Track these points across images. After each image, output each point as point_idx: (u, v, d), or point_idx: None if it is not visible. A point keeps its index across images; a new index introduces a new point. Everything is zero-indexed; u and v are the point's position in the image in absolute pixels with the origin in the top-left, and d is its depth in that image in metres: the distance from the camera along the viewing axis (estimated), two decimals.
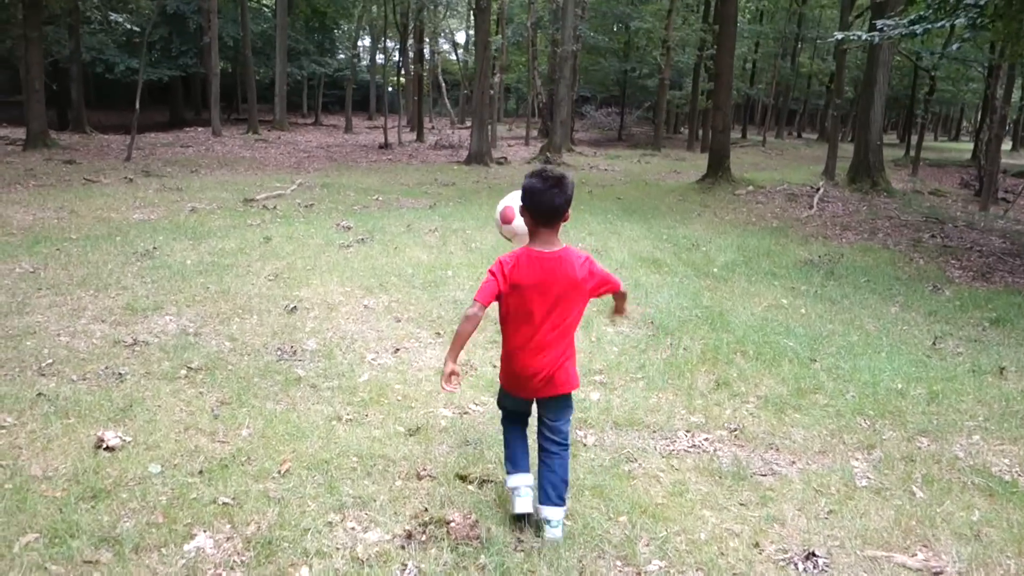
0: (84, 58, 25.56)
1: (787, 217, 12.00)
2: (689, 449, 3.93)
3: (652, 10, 31.26)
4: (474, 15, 19.02)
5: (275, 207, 11.30)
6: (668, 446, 3.95)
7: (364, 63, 47.13)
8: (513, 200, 3.03)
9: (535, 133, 29.63)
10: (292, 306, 6.01)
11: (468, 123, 40.87)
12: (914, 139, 30.76)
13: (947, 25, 7.65)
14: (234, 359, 4.84)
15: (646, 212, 11.88)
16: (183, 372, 4.55)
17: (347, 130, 31.10)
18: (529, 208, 2.75)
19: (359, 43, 44.26)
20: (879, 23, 8.67)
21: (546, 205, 2.71)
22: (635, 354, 5.28)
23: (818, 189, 14.06)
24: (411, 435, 3.89)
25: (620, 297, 3.17)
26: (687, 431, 4.13)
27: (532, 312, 2.78)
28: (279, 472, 3.36)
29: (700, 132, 30.48)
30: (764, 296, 6.91)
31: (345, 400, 4.30)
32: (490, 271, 2.79)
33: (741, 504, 3.35)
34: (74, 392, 4.12)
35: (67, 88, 23.79)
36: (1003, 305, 6.93)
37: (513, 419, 3.11)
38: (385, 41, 29.78)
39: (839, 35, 9.24)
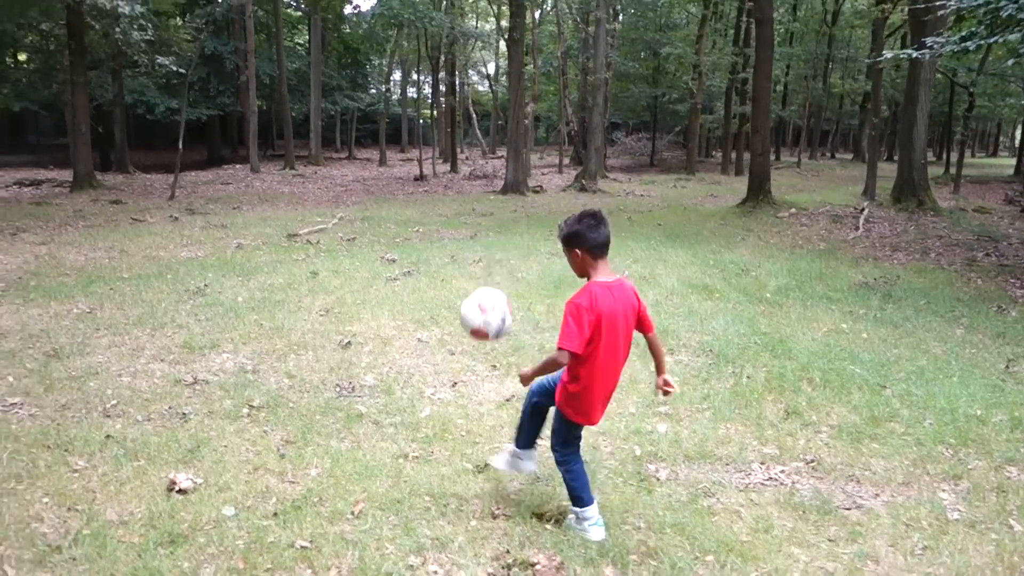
0: (126, 101, 26.23)
1: (834, 239, 11.80)
2: (766, 482, 3.81)
3: (682, 35, 31.35)
4: (507, 46, 19.19)
5: (318, 241, 11.39)
6: (744, 479, 3.83)
7: (395, 97, 47.88)
8: (482, 314, 3.16)
9: (567, 161, 29.68)
10: (346, 341, 6.00)
11: (500, 152, 41.19)
12: (953, 156, 30.30)
13: (1000, 40, 7.51)
14: (294, 396, 4.82)
15: (689, 237, 11.76)
16: (245, 411, 4.54)
17: (381, 163, 31.44)
18: (591, 245, 2.97)
19: (391, 77, 45.02)
20: (928, 40, 8.53)
21: (604, 238, 2.99)
22: (697, 384, 5.16)
23: (862, 210, 13.83)
24: (479, 472, 3.82)
25: (656, 350, 3.32)
26: (761, 463, 4.01)
27: (615, 340, 2.98)
28: (353, 513, 3.30)
29: (733, 155, 30.31)
30: (822, 321, 6.76)
31: (409, 437, 4.25)
32: (569, 315, 2.90)
33: (830, 540, 3.22)
34: (141, 433, 4.12)
35: (110, 130, 24.40)
36: None
37: (578, 450, 3.26)
38: (419, 75, 30.15)
39: (888, 54, 9.11)
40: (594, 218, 2.98)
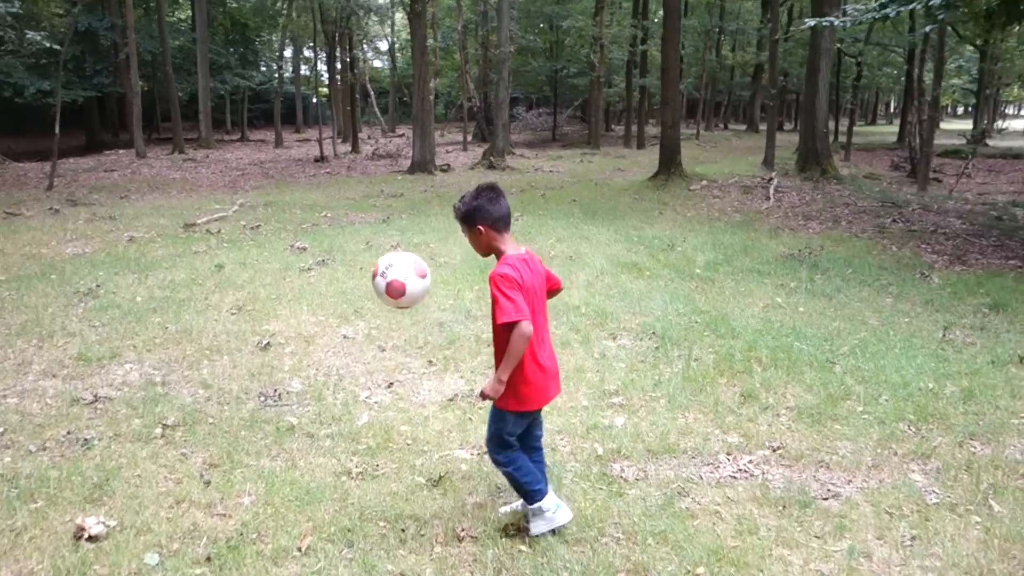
0: None
1: (747, 210, 11.91)
2: (737, 475, 3.62)
3: (580, 8, 31.24)
4: (409, 19, 18.51)
5: (219, 231, 10.63)
6: (713, 473, 3.63)
7: (288, 75, 45.98)
8: (399, 270, 2.92)
9: (470, 138, 29.22)
10: (264, 342, 5.49)
11: (401, 131, 40.24)
12: (843, 126, 31.53)
13: (919, 7, 7.58)
14: (213, 410, 4.33)
15: (607, 213, 11.62)
16: (158, 431, 4.03)
17: (278, 144, 30.12)
18: (494, 219, 2.83)
19: (283, 54, 43.09)
20: (849, 8, 8.58)
21: (505, 210, 2.87)
22: (645, 369, 4.95)
23: (770, 180, 14.06)
24: (434, 486, 3.47)
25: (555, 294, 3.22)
26: (728, 454, 3.82)
27: (537, 312, 2.84)
28: (299, 550, 2.91)
29: (635, 128, 30.54)
30: (756, 295, 6.69)
31: (349, 449, 3.85)
32: (500, 286, 2.70)
33: (817, 537, 3.05)
34: (36, 467, 3.57)
35: None
36: (995, 289, 6.87)
37: (516, 444, 2.99)
38: (313, 51, 28.92)
39: (811, 22, 9.08)
40: (492, 191, 2.87)
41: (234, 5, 37.10)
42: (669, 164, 15.03)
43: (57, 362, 5.10)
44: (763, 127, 45.36)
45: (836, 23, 8.91)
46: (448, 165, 19.44)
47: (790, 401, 4.40)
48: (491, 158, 19.57)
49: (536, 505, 2.94)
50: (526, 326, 2.65)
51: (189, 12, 37.86)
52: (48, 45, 13.65)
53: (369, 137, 32.37)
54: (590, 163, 22.99)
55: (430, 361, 5.19)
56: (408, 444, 3.94)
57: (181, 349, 5.39)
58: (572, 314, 6.11)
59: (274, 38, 40.76)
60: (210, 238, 10.19)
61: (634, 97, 30.40)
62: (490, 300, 2.79)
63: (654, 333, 5.60)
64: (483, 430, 4.12)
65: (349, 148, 25.93)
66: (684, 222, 10.77)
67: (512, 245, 2.88)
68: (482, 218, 2.82)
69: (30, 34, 13.51)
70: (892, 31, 26.64)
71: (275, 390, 4.64)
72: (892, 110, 79.59)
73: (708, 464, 3.72)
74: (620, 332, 5.72)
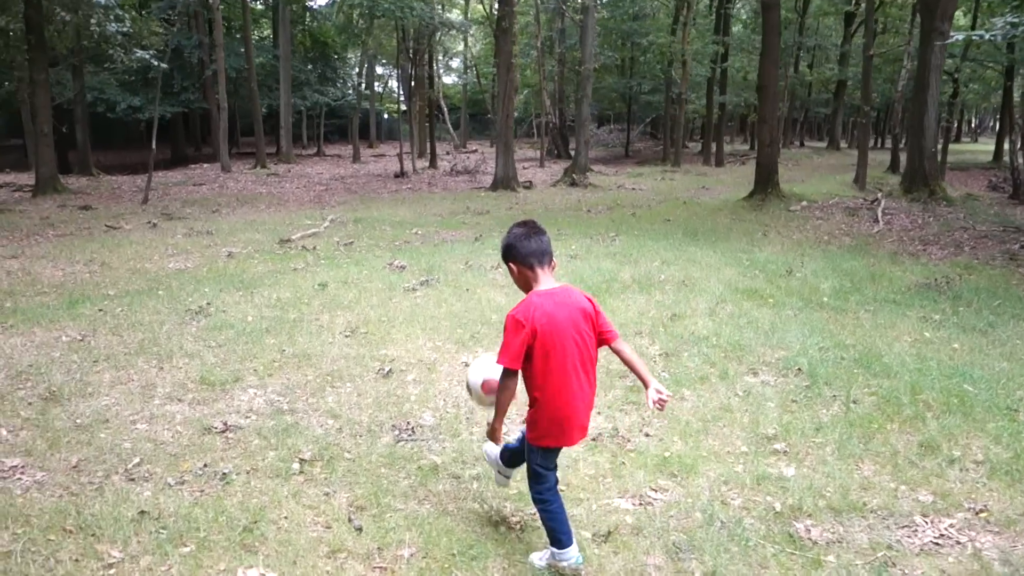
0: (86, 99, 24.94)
1: (857, 233, 11.32)
2: (941, 542, 3.20)
3: (657, 24, 30.84)
4: (495, 36, 18.44)
5: (314, 247, 10.60)
6: (913, 539, 3.22)
7: (364, 91, 46.72)
8: (487, 369, 3.06)
9: (546, 154, 29.02)
10: (386, 369, 5.28)
11: (472, 146, 40.38)
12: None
13: None
14: (348, 444, 4.11)
15: (707, 234, 11.20)
16: (295, 466, 3.82)
17: (355, 160, 30.47)
18: (524, 255, 2.82)
19: (360, 71, 43.78)
20: (997, 21, 8.04)
21: (536, 246, 2.81)
22: (800, 411, 4.56)
23: (873, 201, 13.40)
24: (604, 541, 3.17)
25: (628, 360, 2.93)
26: (923, 515, 3.40)
27: (564, 349, 2.75)
28: None
29: (714, 146, 29.89)
30: (900, 329, 6.21)
31: (500, 494, 3.57)
32: (509, 329, 2.75)
33: None
34: (179, 505, 3.38)
35: (71, 130, 23.13)
36: None
37: (555, 482, 2.98)
38: (387, 68, 29.17)
39: (959, 36, 8.54)
40: (524, 227, 2.88)
41: (314, 24, 37.85)
42: (766, 183, 14.49)
43: (180, 385, 4.97)
44: (843, 144, 44.14)
45: (987, 37, 8.35)
46: (530, 182, 19.24)
47: (977, 454, 3.96)
48: (573, 175, 19.29)
49: (556, 551, 2.91)
50: (507, 376, 2.77)
51: (270, 31, 38.85)
52: (155, 63, 13.96)
53: (448, 153, 32.52)
54: (672, 181, 22.51)
55: None
56: (561, 490, 3.63)
57: (302, 374, 5.22)
58: (702, 345, 5.75)
59: (350, 56, 41.47)
60: (306, 254, 10.16)
61: (713, 114, 29.73)
62: None
63: (799, 369, 5.19)
64: (639, 476, 3.82)
65: (427, 164, 26.01)
66: (793, 245, 10.27)
67: (546, 281, 2.83)
68: (513, 255, 2.84)
69: (139, 52, 13.87)
70: (991, 47, 25.47)
71: (407, 423, 4.40)
72: (975, 127, 76.50)
73: (904, 527, 3.32)
74: (760, 367, 5.33)
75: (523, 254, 2.82)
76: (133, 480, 3.66)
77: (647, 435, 4.27)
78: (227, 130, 24.53)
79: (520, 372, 2.82)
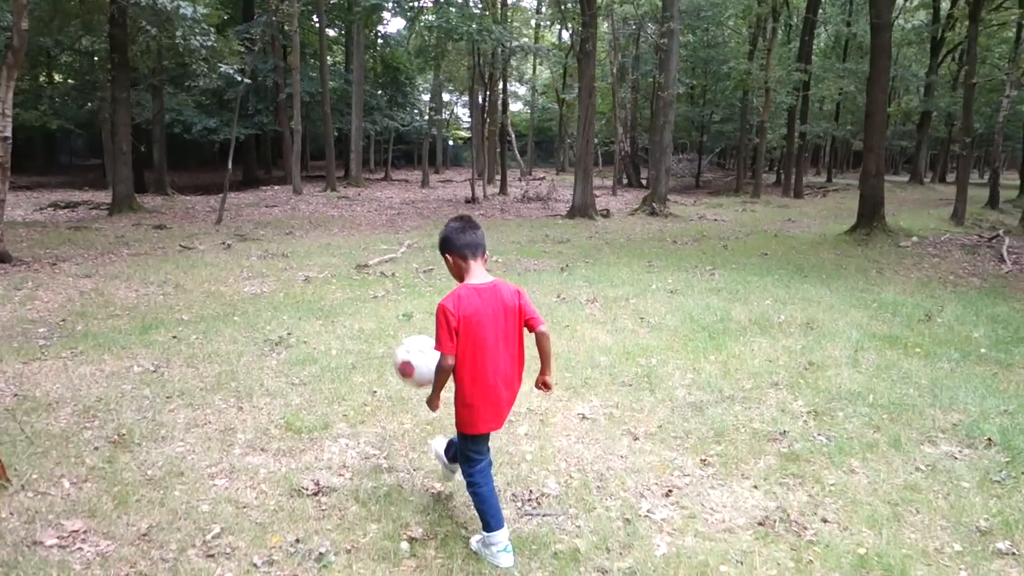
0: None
1: (983, 273, 10.28)
2: None
3: (740, 52, 29.97)
4: (578, 60, 17.88)
5: (393, 273, 10.06)
6: None
7: (435, 116, 46.89)
8: (408, 353, 3.20)
9: (621, 182, 28.27)
10: None
11: (539, 173, 39.91)
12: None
13: None
14: (463, 516, 3.42)
15: (815, 271, 10.29)
16: (404, 547, 3.15)
17: (424, 184, 30.22)
18: (458, 247, 3.01)
19: (424, 96, 43.90)
20: None
21: (469, 239, 3.00)
22: (1007, 495, 3.70)
23: (994, 238, 12.28)
24: None
25: (542, 348, 3.17)
26: None
27: (484, 342, 2.92)
28: None
29: (793, 178, 28.73)
30: None
31: None
32: (437, 318, 2.89)
33: None
34: None
35: (148, 150, 23.36)
36: None
37: (487, 464, 3.14)
38: (468, 93, 28.91)
39: None
40: (460, 221, 3.08)
41: (386, 49, 38.07)
42: (871, 217, 13.46)
43: (263, 431, 4.37)
44: (927, 178, 42.29)
45: None
46: (607, 210, 18.52)
47: None
48: (652, 204, 18.49)
49: (488, 534, 3.04)
50: (445, 360, 2.90)
51: (342, 56, 39.22)
52: (239, 79, 13.78)
53: (519, 179, 32.10)
54: (753, 212, 21.52)
55: (703, 460, 4.13)
56: None
57: (397, 422, 4.57)
58: (857, 403, 4.91)
59: (420, 81, 41.59)
60: (385, 281, 9.62)
61: (794, 144, 28.61)
62: None
63: (989, 440, 4.32)
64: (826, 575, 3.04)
65: (497, 190, 25.53)
66: (917, 286, 9.29)
67: (479, 275, 3.00)
68: (449, 247, 3.03)
69: (223, 67, 13.73)
70: None
71: (529, 491, 3.70)
72: None
73: None
74: (935, 434, 4.47)
75: (458, 246, 3.00)
76: (212, 556, 3.03)
77: (824, 520, 3.47)
78: (300, 153, 24.46)
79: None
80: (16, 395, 4.93)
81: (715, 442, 4.35)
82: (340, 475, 3.84)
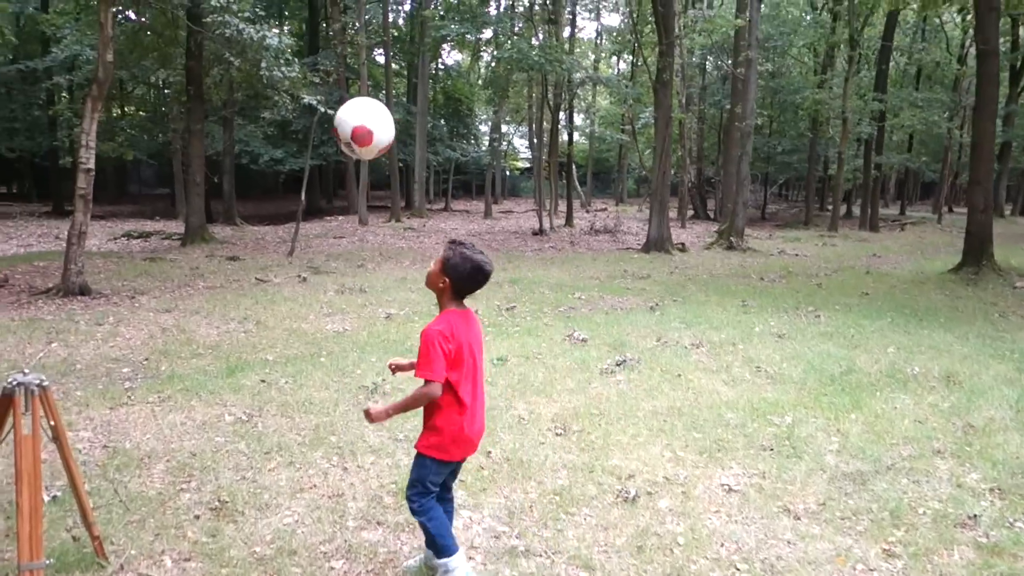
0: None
1: None
2: None
3: (805, 81, 29.21)
4: (654, 89, 17.44)
5: (476, 310, 9.58)
6: None
7: (484, 147, 46.96)
8: (361, 117, 3.04)
9: (689, 215, 27.62)
10: (628, 492, 4.06)
11: (599, 204, 39.44)
12: None
13: None
14: None
15: (930, 314, 9.52)
16: None
17: (486, 215, 30.00)
18: (469, 286, 2.90)
19: (483, 127, 43.97)
20: None
21: (477, 287, 2.91)
22: None
23: None
24: None
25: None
26: None
27: (475, 368, 2.94)
28: None
29: (869, 210, 27.68)
30: None
31: None
32: (431, 344, 2.77)
33: None
34: None
35: (219, 180, 23.62)
36: None
37: (435, 493, 3.02)
38: (528, 124, 28.72)
39: None
40: (486, 263, 2.91)
41: (448, 81, 38.30)
42: (979, 255, 12.60)
43: (375, 499, 3.92)
44: (1008, 210, 40.50)
45: None
46: (683, 244, 17.90)
47: None
48: (731, 238, 17.82)
49: (444, 561, 2.93)
50: (434, 388, 2.79)
51: (404, 88, 39.57)
52: (321, 109, 13.68)
53: (586, 210, 31.67)
54: (834, 247, 20.64)
55: (886, 551, 3.52)
56: None
57: (522, 491, 4.07)
58: None
59: (478, 111, 41.66)
60: None
61: (871, 176, 27.61)
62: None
63: None
64: None
65: (562, 222, 25.12)
66: None
67: (460, 304, 2.94)
68: (459, 277, 2.86)
69: (306, 99, 13.69)
70: None
71: None
72: None
73: None
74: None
75: (468, 285, 2.89)
76: None
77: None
78: (367, 184, 24.45)
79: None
80: (106, 447, 4.60)
81: (893, 526, 3.75)
82: (471, 558, 3.35)
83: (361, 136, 2.87)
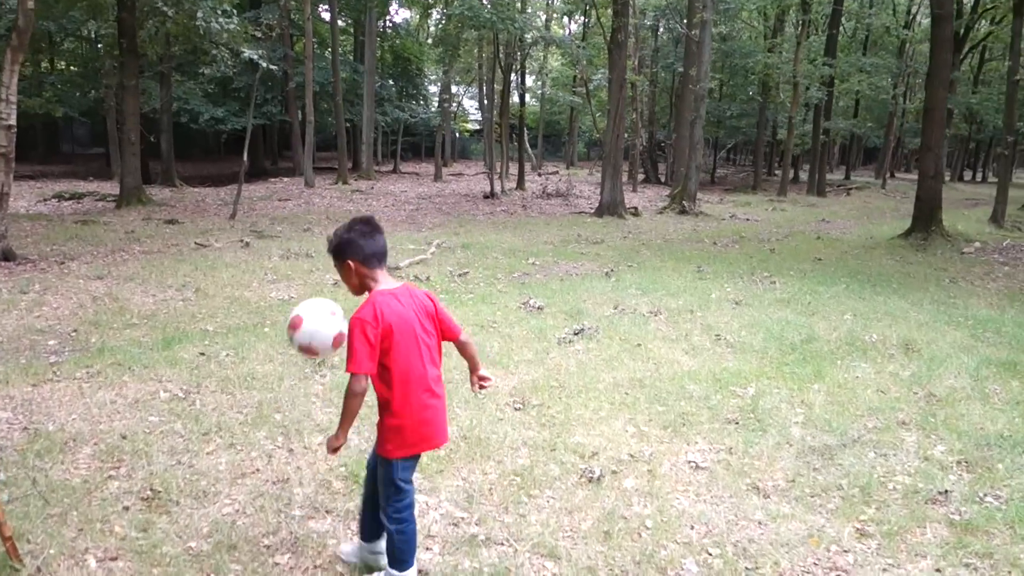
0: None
1: None
2: None
3: (755, 45, 29.18)
4: (608, 51, 17.09)
5: (427, 277, 9.32)
6: None
7: (434, 108, 46.06)
8: (303, 310, 2.70)
9: (640, 179, 27.51)
10: (594, 471, 3.87)
11: (551, 167, 39.15)
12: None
13: None
14: None
15: (883, 281, 9.55)
16: None
17: (436, 178, 29.46)
18: (366, 255, 2.66)
19: (432, 88, 43.02)
20: None
21: (380, 246, 2.69)
22: None
23: None
24: None
25: (467, 354, 3.04)
26: None
27: (414, 347, 2.67)
28: None
29: (817, 175, 27.97)
30: None
31: None
32: (353, 334, 2.54)
33: None
34: None
35: (156, 140, 22.59)
36: None
37: (413, 499, 2.81)
38: (478, 85, 28.14)
39: None
40: (367, 224, 2.71)
41: (397, 40, 37.27)
42: (928, 221, 12.71)
43: (324, 485, 3.66)
44: (947, 176, 41.49)
45: None
46: (636, 208, 17.76)
47: None
48: (683, 202, 17.75)
49: (400, 573, 2.76)
50: (359, 383, 2.55)
51: (350, 46, 38.39)
52: (263, 64, 12.97)
53: (538, 173, 31.33)
54: (784, 212, 20.79)
55: (859, 530, 3.41)
56: None
57: (481, 471, 3.85)
58: (1015, 451, 4.19)
59: (427, 71, 40.72)
60: (420, 286, 8.86)
61: (819, 141, 27.83)
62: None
63: None
64: None
65: (513, 185, 24.77)
66: (1004, 299, 8.54)
67: (386, 280, 2.72)
68: (353, 252, 2.65)
69: (245, 52, 12.97)
70: None
71: (664, 571, 2.98)
72: None
73: None
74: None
75: (366, 253, 2.66)
76: None
77: None
78: (313, 144, 23.68)
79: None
80: (26, 429, 4.22)
81: (864, 503, 3.63)
82: (428, 548, 3.13)
83: (293, 323, 2.65)
